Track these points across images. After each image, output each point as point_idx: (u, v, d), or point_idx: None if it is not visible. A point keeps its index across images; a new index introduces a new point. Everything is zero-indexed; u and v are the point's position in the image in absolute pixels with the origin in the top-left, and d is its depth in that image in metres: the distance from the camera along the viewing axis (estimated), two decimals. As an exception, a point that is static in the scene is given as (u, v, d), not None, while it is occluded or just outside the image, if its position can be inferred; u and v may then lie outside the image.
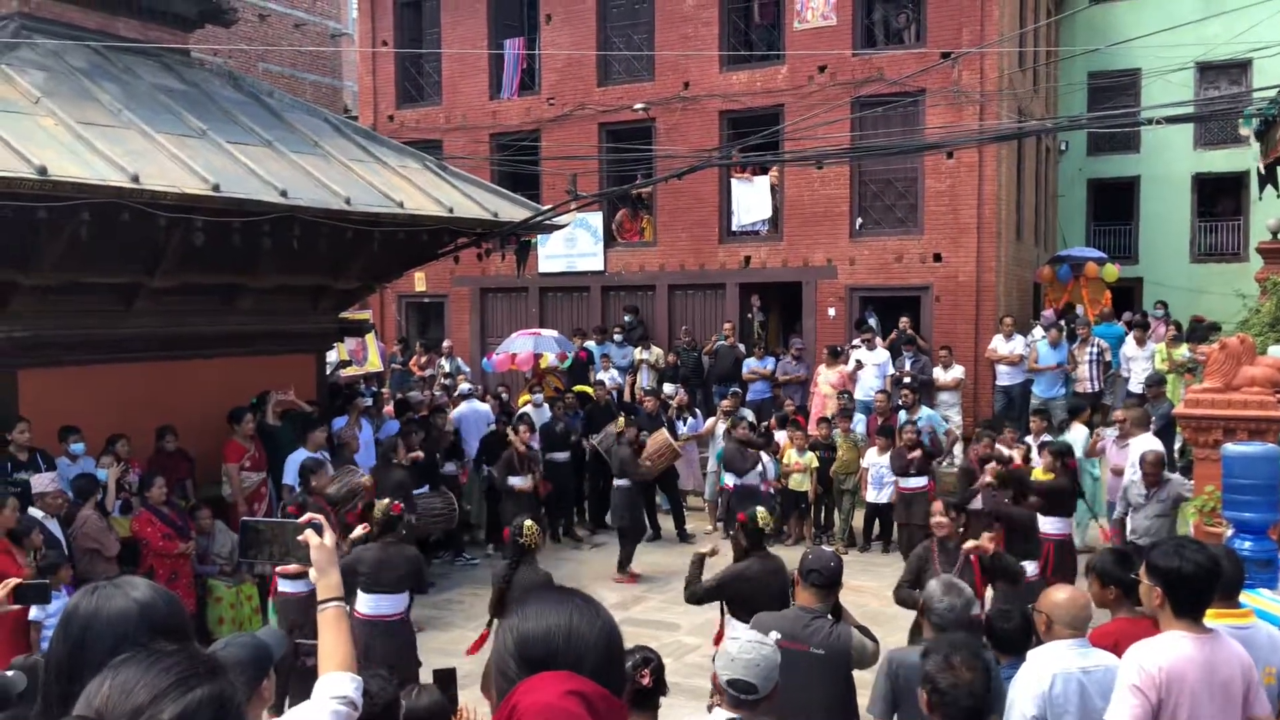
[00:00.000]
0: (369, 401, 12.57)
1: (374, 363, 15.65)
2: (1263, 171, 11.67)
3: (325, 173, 9.64)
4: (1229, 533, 6.59)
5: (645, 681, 3.67)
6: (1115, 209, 24.15)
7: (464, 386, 14.29)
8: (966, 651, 3.27)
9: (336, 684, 2.42)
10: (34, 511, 7.77)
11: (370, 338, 15.39)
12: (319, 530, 2.59)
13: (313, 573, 2.58)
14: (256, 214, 8.53)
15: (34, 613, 6.65)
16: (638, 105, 17.57)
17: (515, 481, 11.22)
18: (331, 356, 13.44)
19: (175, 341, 10.00)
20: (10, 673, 3.10)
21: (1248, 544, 6.27)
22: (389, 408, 13.04)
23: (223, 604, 8.89)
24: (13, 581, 3.81)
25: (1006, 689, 3.98)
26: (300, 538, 2.59)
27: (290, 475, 9.64)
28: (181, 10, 10.69)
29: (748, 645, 3.28)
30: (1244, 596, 4.23)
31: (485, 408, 13.25)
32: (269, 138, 9.75)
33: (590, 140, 17.91)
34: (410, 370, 17.15)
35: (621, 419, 11.98)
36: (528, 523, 6.25)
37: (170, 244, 8.80)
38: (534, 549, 6.24)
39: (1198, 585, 3.46)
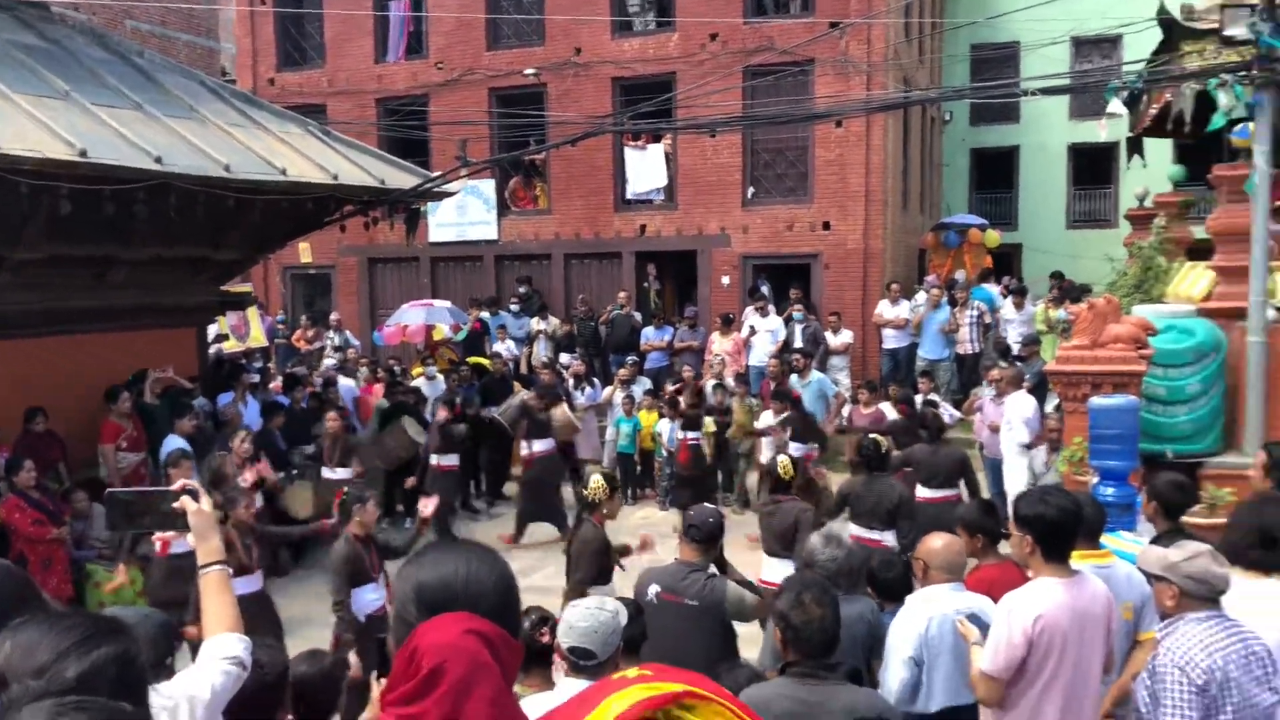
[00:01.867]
0: (256, 377, 12.25)
1: (257, 337, 15.24)
2: (1117, 142, 12.18)
3: (202, 138, 9.28)
4: (1094, 480, 6.96)
5: (545, 639, 3.72)
6: (996, 177, 25.01)
7: (328, 361, 14.04)
8: (816, 589, 3.38)
9: (225, 645, 2.43)
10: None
11: (253, 311, 14.96)
12: (195, 496, 2.57)
13: (191, 538, 2.56)
14: (128, 181, 8.16)
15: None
16: (529, 70, 17.39)
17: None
18: (212, 330, 13.04)
19: (44, 317, 9.54)
20: None
21: (1110, 490, 6.64)
22: (276, 383, 12.72)
23: (102, 588, 8.58)
24: None
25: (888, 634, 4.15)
26: (176, 505, 2.56)
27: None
28: (40, -36, 10.14)
29: (585, 613, 3.33)
30: (1105, 539, 4.48)
31: (352, 383, 13.04)
32: (139, 100, 9.33)
33: (480, 105, 17.66)
34: (295, 345, 16.73)
35: (522, 391, 11.92)
36: (595, 478, 6.16)
37: (34, 214, 8.36)
38: (598, 503, 6.11)
39: (1063, 529, 3.64)
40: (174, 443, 9.38)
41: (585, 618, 3.33)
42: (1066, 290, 14.56)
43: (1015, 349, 12.47)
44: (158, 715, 2.11)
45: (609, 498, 6.02)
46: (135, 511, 2.67)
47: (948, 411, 11.34)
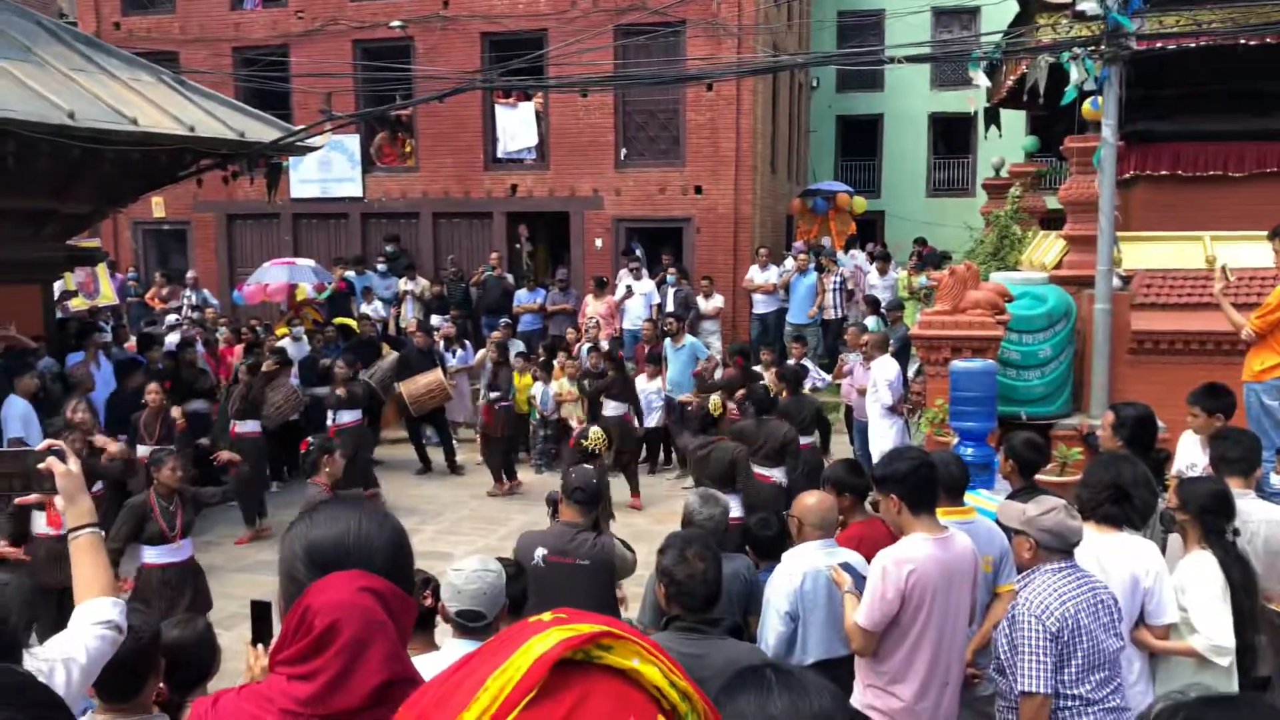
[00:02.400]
0: (108, 337, 11.64)
1: (107, 295, 14.46)
2: (976, 112, 12.62)
3: (42, 83, 8.69)
4: (955, 441, 7.28)
5: (428, 602, 3.71)
6: (861, 145, 25.66)
7: (170, 319, 13.48)
8: (699, 544, 3.45)
9: (97, 609, 2.38)
10: None
11: (102, 268, 14.17)
12: (62, 456, 2.47)
13: (59, 500, 2.47)
14: (-40, 127, 7.61)
15: None
16: (394, 23, 16.87)
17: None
18: (58, 288, 12.31)
19: None
20: None
21: (970, 450, 6.94)
22: (130, 343, 12.11)
23: (-60, 560, 8.06)
24: None
25: (764, 590, 4.27)
26: (41, 466, 2.46)
27: (14, 428, 8.82)
28: None
29: (473, 575, 3.34)
30: (967, 497, 4.70)
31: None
32: (-30, 40, 8.67)
33: (344, 58, 17.05)
34: (148, 303, 15.95)
35: (392, 353, 11.65)
36: (594, 430, 6.35)
37: None
38: (600, 455, 6.24)
39: (920, 479, 3.79)
40: (16, 404, 8.87)
41: (473, 580, 3.33)
42: (927, 257, 15.12)
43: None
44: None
45: (607, 449, 6.41)
46: (1, 472, 2.55)
47: (818, 375, 11.68)
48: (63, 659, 2.22)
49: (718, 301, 14.81)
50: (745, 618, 4.55)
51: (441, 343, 13.13)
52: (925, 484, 3.80)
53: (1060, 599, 3.43)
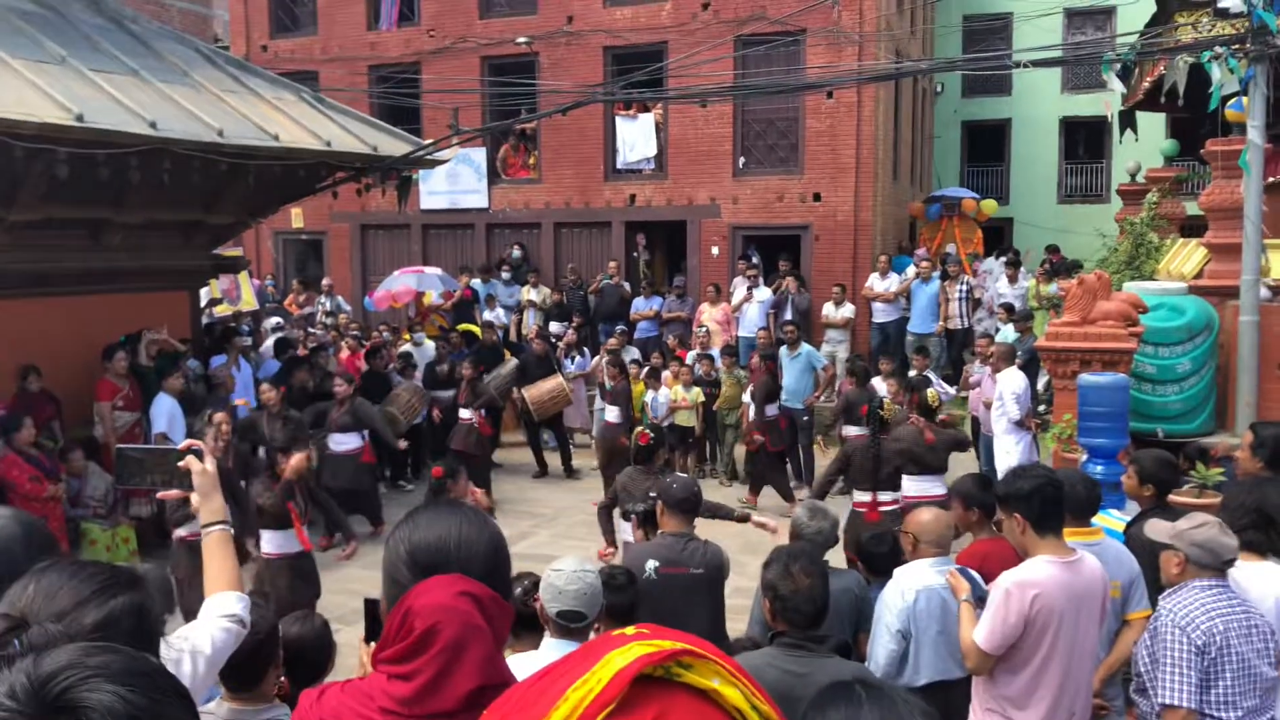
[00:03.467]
0: (248, 340, 12.26)
1: (248, 301, 15.21)
2: (1110, 116, 12.21)
3: (196, 104, 9.24)
4: (1084, 458, 7.07)
5: (537, 604, 3.78)
6: (988, 150, 25.01)
7: (271, 320, 13.99)
8: (805, 559, 3.41)
9: (224, 603, 2.47)
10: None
11: (244, 275, 14.93)
12: (199, 456, 2.60)
13: (195, 498, 2.60)
14: (124, 146, 8.14)
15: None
16: (521, 39, 17.27)
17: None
18: (204, 294, 13.01)
19: (40, 278, 9.52)
20: None
21: (1099, 468, 6.74)
22: (267, 345, 12.73)
23: (97, 546, 8.65)
24: None
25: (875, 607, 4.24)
26: (181, 464, 2.59)
27: (160, 424, 9.38)
28: (33, -73, 10.01)
29: (574, 576, 3.36)
30: (1096, 517, 4.56)
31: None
32: (135, 66, 9.28)
33: (472, 74, 17.55)
34: (286, 309, 16.71)
35: (512, 359, 11.98)
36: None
37: (31, 176, 8.33)
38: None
39: (1045, 499, 3.63)
40: (164, 403, 9.43)
41: (574, 580, 3.36)
42: (1057, 265, 14.65)
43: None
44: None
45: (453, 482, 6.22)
46: (144, 469, 2.71)
47: (941, 388, 11.45)
48: (190, 650, 2.29)
49: (847, 311, 14.57)
50: (855, 635, 4.52)
51: (562, 349, 13.39)
52: (1050, 504, 3.65)
53: (1208, 614, 3.27)
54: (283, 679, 3.24)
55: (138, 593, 1.62)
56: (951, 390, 11.64)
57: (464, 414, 11.26)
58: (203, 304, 12.96)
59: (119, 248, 10.18)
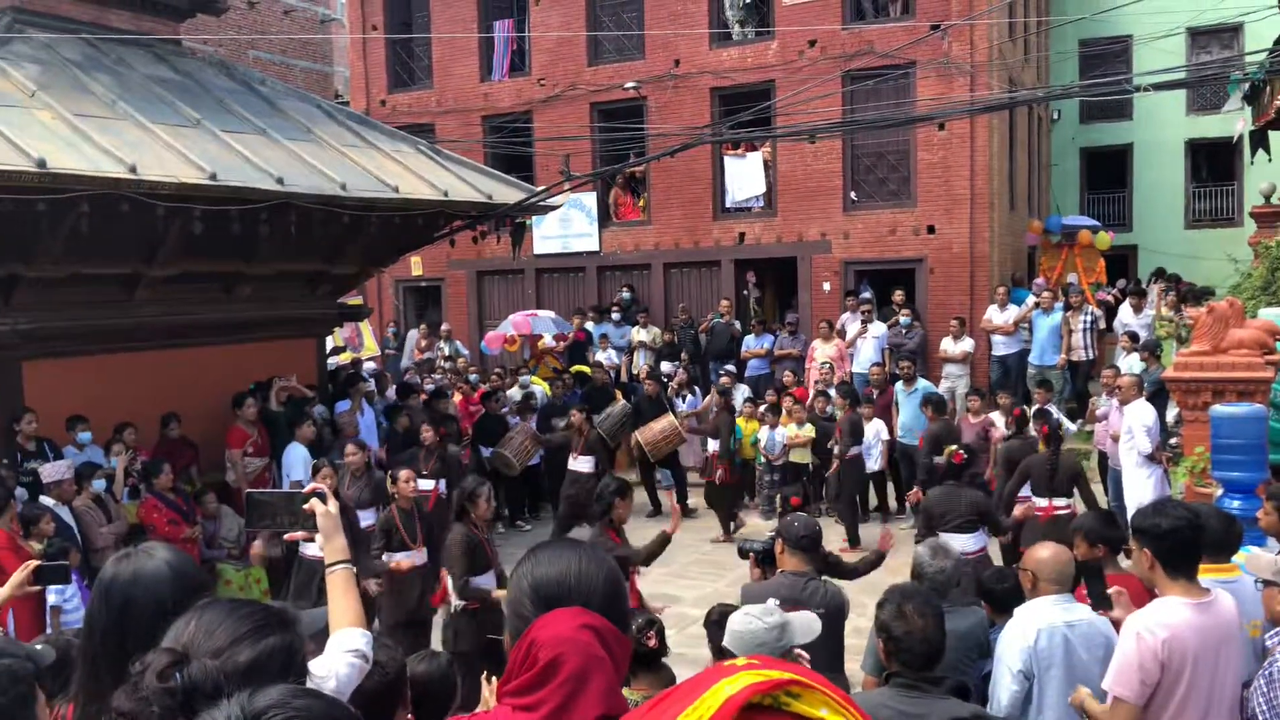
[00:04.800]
0: (371, 385, 12.67)
1: (370, 347, 15.75)
2: (1240, 137, 11.71)
3: (320, 159, 9.71)
4: (1219, 492, 6.73)
5: (652, 643, 3.81)
6: (1109, 176, 24.23)
7: (368, 365, 14.30)
8: (918, 599, 3.36)
9: (349, 638, 2.55)
10: (44, 500, 7.90)
11: (365, 323, 15.49)
12: (323, 498, 2.71)
13: (319, 538, 2.70)
14: (253, 202, 8.61)
15: (53, 598, 6.80)
16: (629, 84, 17.60)
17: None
18: (329, 342, 13.52)
19: (177, 330, 10.09)
20: (38, 646, 3.23)
21: (1236, 502, 6.40)
22: (391, 391, 13.13)
23: (231, 587, 9.01)
24: (34, 563, 3.92)
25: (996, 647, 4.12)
26: (305, 506, 2.71)
27: (295, 470, 9.71)
28: (173, 0, 10.72)
29: (744, 618, 3.44)
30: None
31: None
32: (263, 125, 9.82)
33: (582, 120, 17.94)
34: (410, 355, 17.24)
35: (622, 399, 12.08)
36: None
37: (169, 233, 8.88)
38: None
39: (1181, 540, 3.46)
40: (297, 450, 9.81)
41: (742, 622, 3.48)
42: (1185, 292, 14.06)
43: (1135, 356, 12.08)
44: None
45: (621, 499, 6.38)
46: (271, 512, 2.85)
47: (1063, 423, 11.06)
48: (312, 684, 2.31)
49: (966, 345, 14.21)
50: (979, 676, 4.39)
51: (673, 388, 13.44)
52: (1188, 546, 3.48)
53: None
54: (409, 717, 3.32)
55: (288, 633, 1.70)
56: (1072, 426, 11.23)
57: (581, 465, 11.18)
58: (328, 351, 13.48)
59: (250, 299, 10.70)
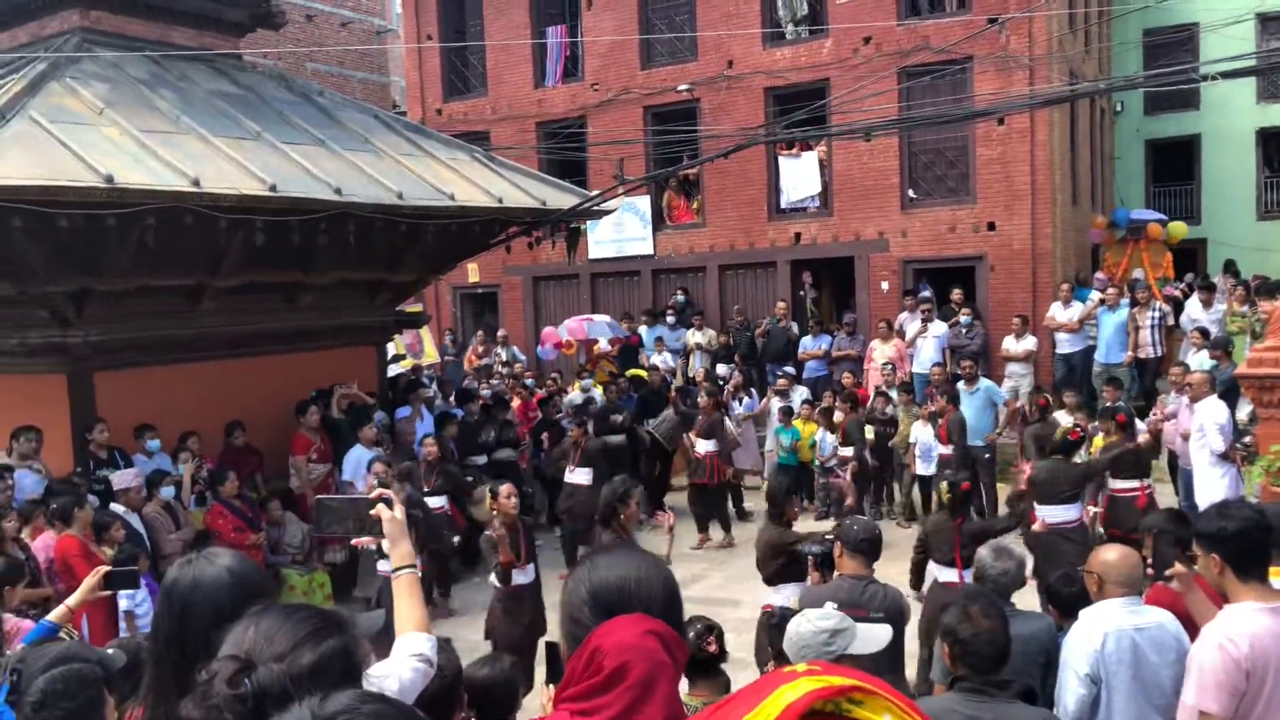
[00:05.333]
0: (431, 392, 12.80)
1: (430, 354, 15.93)
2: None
3: (377, 168, 9.85)
4: (1296, 492, 6.52)
5: (712, 649, 3.79)
6: (1175, 169, 23.63)
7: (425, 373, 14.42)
8: (984, 601, 3.31)
9: (414, 643, 2.57)
10: (115, 507, 8.11)
11: (425, 330, 15.65)
12: (389, 504, 2.75)
13: (385, 543, 2.73)
14: (313, 212, 8.77)
15: (125, 603, 6.97)
16: (682, 86, 17.58)
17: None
18: (390, 349, 13.69)
19: (241, 339, 10.29)
20: (110, 650, 3.31)
21: (1314, 503, 6.19)
22: (452, 398, 13.26)
23: (296, 591, 9.16)
24: (104, 568, 4.03)
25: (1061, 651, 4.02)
26: (372, 512, 2.74)
27: (348, 472, 9.86)
28: (233, 16, 10.96)
29: (798, 621, 3.39)
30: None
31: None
32: (321, 136, 9.98)
33: (635, 124, 17.96)
34: (466, 361, 17.40)
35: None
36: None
37: (232, 245, 9.07)
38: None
39: (1249, 541, 3.33)
40: (358, 453, 9.94)
41: (795, 623, 3.48)
42: (1258, 286, 13.65)
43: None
44: None
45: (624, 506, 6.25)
46: (340, 517, 2.90)
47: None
48: (377, 687, 2.32)
49: (1029, 343, 13.92)
50: (1045, 681, 4.30)
51: (730, 391, 13.38)
52: (1257, 548, 3.35)
53: None
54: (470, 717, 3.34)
55: (346, 635, 1.72)
56: (1142, 425, 10.95)
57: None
58: (389, 358, 13.66)
59: (311, 308, 10.88)
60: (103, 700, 2.85)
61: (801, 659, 3.36)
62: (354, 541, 2.93)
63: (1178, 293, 16.14)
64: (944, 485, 7.06)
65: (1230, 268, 17.43)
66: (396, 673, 2.46)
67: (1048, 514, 7.59)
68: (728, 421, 12.12)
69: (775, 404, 12.64)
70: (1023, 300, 15.42)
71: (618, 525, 6.28)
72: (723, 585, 9.74)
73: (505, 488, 6.88)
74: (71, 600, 3.95)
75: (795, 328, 15.92)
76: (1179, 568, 3.76)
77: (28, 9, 9.99)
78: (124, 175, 7.54)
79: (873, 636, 3.54)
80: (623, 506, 6.32)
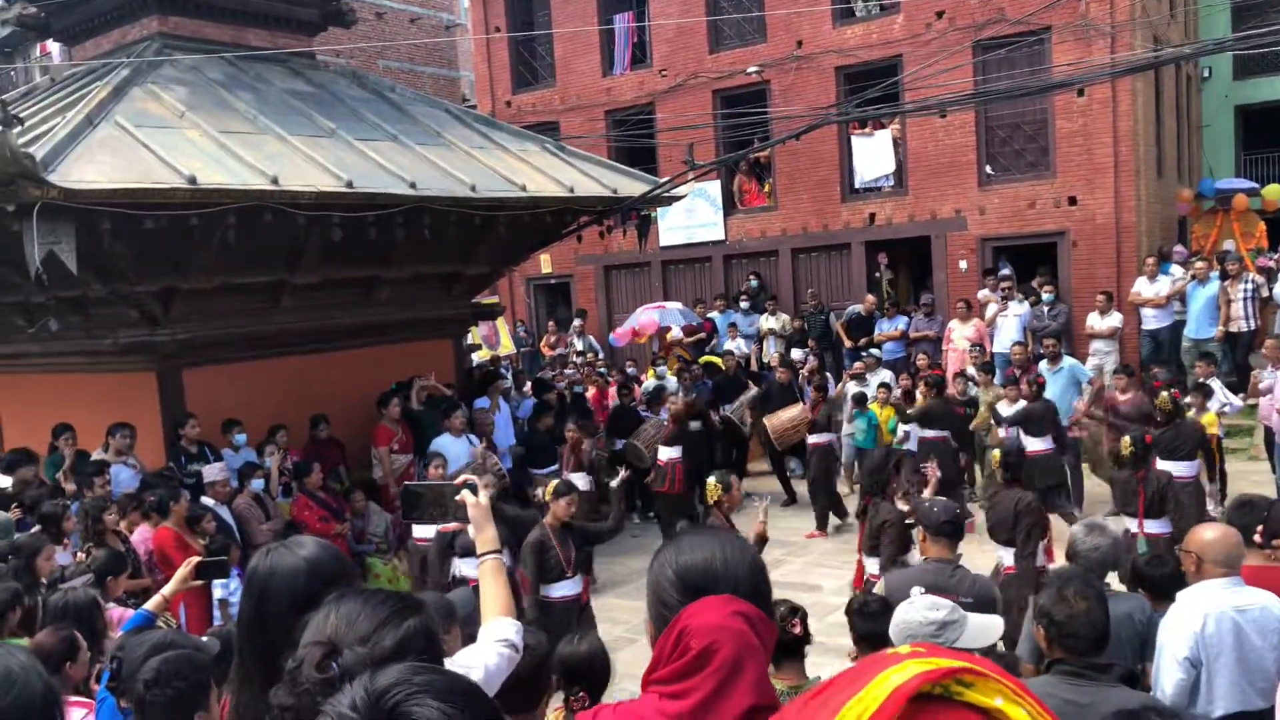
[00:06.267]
0: (508, 382, 12.91)
1: (506, 345, 16.06)
2: None
3: (450, 162, 9.94)
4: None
5: (797, 630, 3.76)
6: (1269, 135, 22.69)
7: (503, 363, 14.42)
8: (1079, 582, 3.21)
9: (500, 628, 2.58)
10: (205, 500, 8.35)
11: (501, 321, 15.78)
12: (474, 490, 2.77)
13: (471, 529, 2.75)
14: (388, 207, 8.89)
15: (219, 592, 7.19)
16: (751, 69, 17.41)
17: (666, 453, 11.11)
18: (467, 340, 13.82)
19: (321, 334, 10.50)
20: (205, 638, 3.41)
21: None
22: (527, 387, 13.37)
23: (380, 579, 9.33)
24: (195, 559, 4.15)
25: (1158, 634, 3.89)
26: (458, 498, 2.77)
27: (453, 461, 9.94)
28: (305, 16, 11.16)
29: (904, 607, 3.36)
30: None
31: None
32: (394, 132, 10.11)
33: (705, 108, 17.85)
34: (540, 351, 17.53)
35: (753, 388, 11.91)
36: (710, 480, 6.47)
37: (310, 241, 9.25)
38: (719, 501, 6.34)
39: None
40: (447, 441, 9.99)
41: (900, 609, 3.46)
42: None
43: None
44: None
45: (726, 494, 6.26)
46: (426, 503, 2.93)
47: (1227, 399, 10.41)
48: (463, 671, 2.43)
49: (1114, 320, 13.49)
50: (1141, 664, 4.17)
51: (804, 376, 13.25)
52: None
53: None
54: (583, 694, 3.41)
55: (425, 615, 1.73)
56: (1237, 400, 10.56)
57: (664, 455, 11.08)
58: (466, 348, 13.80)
59: (388, 302, 11.05)
60: (209, 685, 2.94)
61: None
62: (440, 527, 2.95)
63: (1272, 263, 15.52)
64: (1126, 439, 7.55)
65: None
66: (482, 659, 2.46)
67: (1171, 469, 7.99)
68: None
69: (850, 388, 12.46)
70: (1106, 276, 14.97)
71: (719, 512, 6.24)
72: (802, 571, 9.68)
73: (568, 494, 6.57)
74: (166, 590, 4.08)
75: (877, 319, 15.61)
76: None
77: (110, 18, 10.29)
78: (205, 176, 7.72)
79: (984, 628, 3.45)
80: (726, 496, 6.32)
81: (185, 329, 9.31)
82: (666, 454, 10.94)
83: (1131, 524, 7.29)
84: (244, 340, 9.86)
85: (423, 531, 7.96)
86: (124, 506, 7.70)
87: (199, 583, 4.29)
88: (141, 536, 7.50)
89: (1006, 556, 6.63)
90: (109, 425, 8.84)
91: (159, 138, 8.07)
